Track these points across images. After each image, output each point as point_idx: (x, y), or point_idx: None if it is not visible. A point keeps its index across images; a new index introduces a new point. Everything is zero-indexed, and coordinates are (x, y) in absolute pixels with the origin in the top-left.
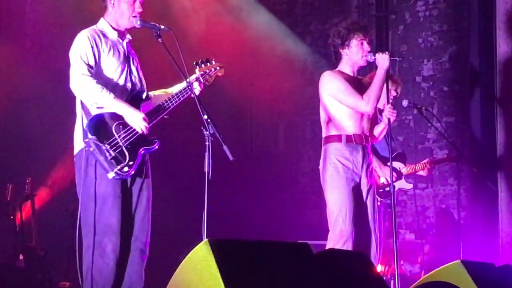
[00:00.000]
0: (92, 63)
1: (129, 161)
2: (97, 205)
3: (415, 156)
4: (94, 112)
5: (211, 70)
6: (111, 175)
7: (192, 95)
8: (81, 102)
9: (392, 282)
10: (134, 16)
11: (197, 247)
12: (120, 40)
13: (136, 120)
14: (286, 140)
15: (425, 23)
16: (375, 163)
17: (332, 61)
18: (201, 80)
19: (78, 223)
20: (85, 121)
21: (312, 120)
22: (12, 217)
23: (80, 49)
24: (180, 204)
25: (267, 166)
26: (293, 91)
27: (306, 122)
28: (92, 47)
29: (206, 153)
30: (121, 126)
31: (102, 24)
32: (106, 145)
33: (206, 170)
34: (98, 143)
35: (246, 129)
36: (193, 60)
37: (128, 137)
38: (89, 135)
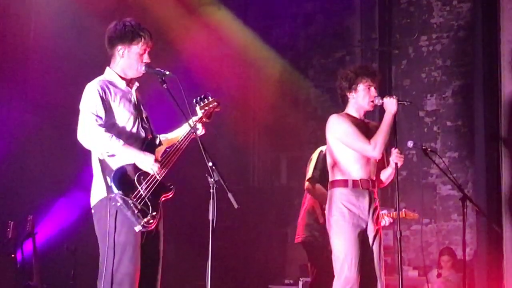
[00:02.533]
0: (102, 115)
1: (152, 211)
2: (116, 255)
3: (419, 192)
4: (109, 160)
5: (210, 107)
6: (138, 228)
7: (199, 144)
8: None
9: None
10: None
11: None
12: (129, 89)
13: (148, 163)
14: (288, 174)
15: (429, 58)
16: None
17: (336, 97)
18: (205, 120)
19: (100, 275)
20: (102, 171)
21: None
22: (13, 255)
23: (91, 103)
24: (183, 248)
25: (269, 200)
26: (295, 125)
27: (309, 156)
28: (102, 98)
29: (211, 201)
30: (141, 177)
31: (110, 74)
32: (132, 199)
33: (210, 218)
34: (125, 197)
35: (249, 162)
36: (195, 94)
37: (149, 187)
38: (115, 190)
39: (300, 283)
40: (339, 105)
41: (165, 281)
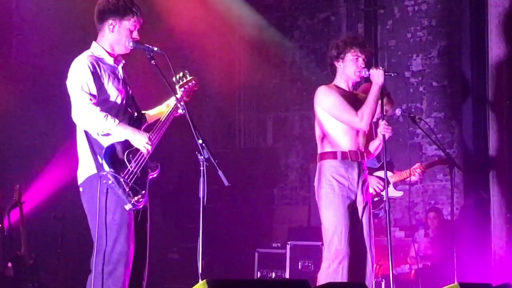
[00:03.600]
0: (94, 92)
1: (141, 190)
2: (112, 234)
3: (405, 152)
4: (101, 139)
5: (189, 86)
6: (128, 206)
7: (189, 122)
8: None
9: (383, 283)
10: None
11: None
12: (116, 66)
13: (142, 142)
14: (274, 136)
15: (414, 18)
16: None
17: (321, 58)
18: (185, 99)
19: (94, 254)
20: (91, 148)
21: (301, 115)
22: (0, 224)
23: (81, 79)
24: (170, 210)
25: (256, 162)
26: (281, 86)
27: (295, 117)
28: (93, 75)
29: (201, 179)
30: (130, 155)
31: (98, 49)
32: (124, 177)
33: (200, 195)
34: (116, 175)
35: (235, 124)
36: (180, 61)
37: (138, 165)
38: (107, 168)
39: (288, 247)
40: (325, 66)
41: (152, 243)
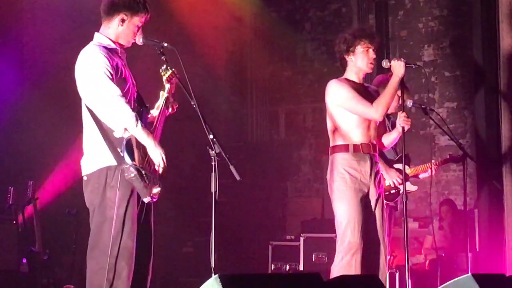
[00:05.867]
0: (115, 83)
1: (159, 182)
2: (115, 228)
3: (418, 143)
4: (117, 131)
5: (171, 77)
6: (147, 199)
7: (200, 116)
8: (96, 119)
9: (397, 274)
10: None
11: (206, 283)
12: (122, 56)
13: (157, 155)
14: (287, 128)
15: (425, 8)
16: (381, 165)
17: (333, 50)
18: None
19: (93, 246)
20: (105, 139)
21: (313, 108)
22: (14, 221)
23: (105, 70)
24: (184, 205)
25: (268, 155)
26: (293, 79)
27: (307, 109)
28: (112, 66)
29: (213, 173)
30: (145, 148)
31: (105, 40)
32: (146, 169)
33: (212, 190)
34: (139, 168)
35: (247, 117)
36: (190, 55)
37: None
38: (129, 161)
39: (302, 239)
40: (336, 58)
41: (167, 237)
